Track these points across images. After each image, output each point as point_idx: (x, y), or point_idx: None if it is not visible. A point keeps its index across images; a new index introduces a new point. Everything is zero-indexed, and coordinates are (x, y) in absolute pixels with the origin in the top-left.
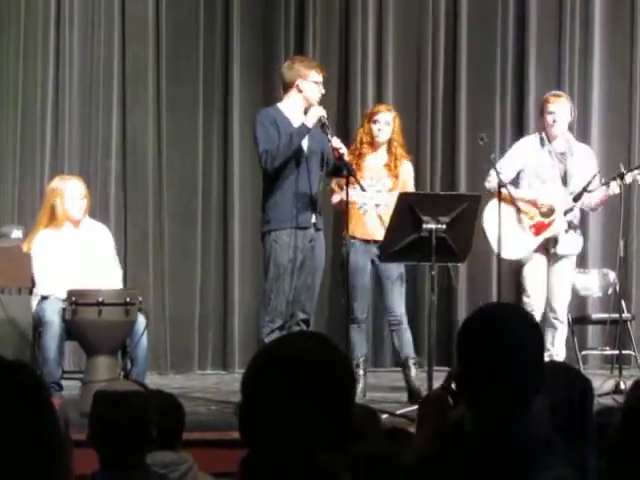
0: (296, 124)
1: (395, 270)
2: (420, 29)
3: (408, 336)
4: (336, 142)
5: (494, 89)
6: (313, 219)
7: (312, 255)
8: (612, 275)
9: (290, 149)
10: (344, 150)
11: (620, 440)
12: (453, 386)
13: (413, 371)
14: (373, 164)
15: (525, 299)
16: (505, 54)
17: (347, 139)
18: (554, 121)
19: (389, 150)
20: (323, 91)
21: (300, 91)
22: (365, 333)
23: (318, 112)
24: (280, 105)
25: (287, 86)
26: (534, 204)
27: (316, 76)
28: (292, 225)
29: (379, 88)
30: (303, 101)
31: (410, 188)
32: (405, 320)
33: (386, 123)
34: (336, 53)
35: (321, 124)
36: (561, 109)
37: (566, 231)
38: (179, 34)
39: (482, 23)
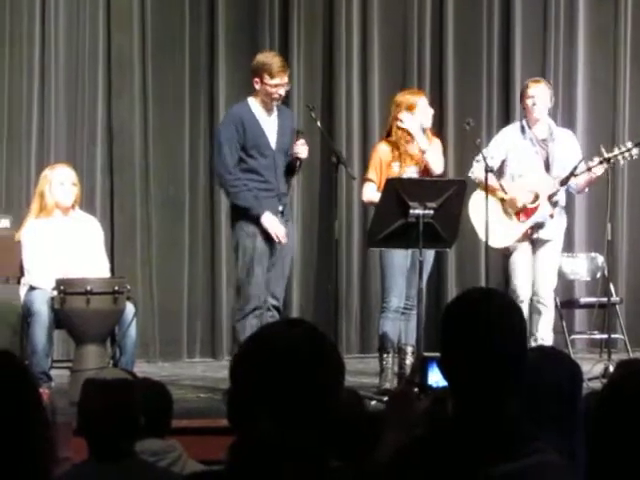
0: (263, 122)
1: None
2: (406, 15)
3: (414, 323)
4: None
5: (480, 75)
6: (280, 208)
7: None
8: (600, 259)
9: (234, 201)
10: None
11: (594, 425)
12: (417, 380)
13: (409, 359)
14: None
15: (512, 287)
16: (491, 39)
17: (331, 127)
18: (533, 104)
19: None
20: (283, 93)
21: (257, 91)
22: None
23: (274, 231)
24: (250, 100)
25: (253, 79)
26: (514, 203)
27: (269, 79)
28: (256, 213)
29: (364, 76)
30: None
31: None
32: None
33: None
34: (320, 41)
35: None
36: (540, 93)
37: (551, 216)
38: (164, 24)
39: (468, 10)
